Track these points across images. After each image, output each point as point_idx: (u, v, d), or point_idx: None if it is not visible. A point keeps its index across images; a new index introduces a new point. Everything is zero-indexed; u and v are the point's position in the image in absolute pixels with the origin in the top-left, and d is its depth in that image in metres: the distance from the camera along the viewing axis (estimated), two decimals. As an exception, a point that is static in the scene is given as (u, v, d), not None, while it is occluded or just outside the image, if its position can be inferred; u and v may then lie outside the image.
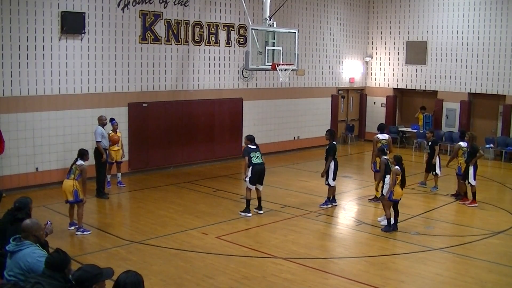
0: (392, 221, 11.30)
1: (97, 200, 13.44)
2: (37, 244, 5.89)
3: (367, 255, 10.05)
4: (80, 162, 10.79)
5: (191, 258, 9.63)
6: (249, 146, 12.33)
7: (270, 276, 8.84)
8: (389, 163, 11.51)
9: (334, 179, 13.06)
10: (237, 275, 8.85)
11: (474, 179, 13.36)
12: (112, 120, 14.36)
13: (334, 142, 13.19)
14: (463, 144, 13.84)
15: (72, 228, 11.04)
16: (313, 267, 9.28)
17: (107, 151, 13.72)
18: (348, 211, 13.08)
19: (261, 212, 12.36)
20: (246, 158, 12.15)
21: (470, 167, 13.30)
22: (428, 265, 9.53)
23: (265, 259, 9.65)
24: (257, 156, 12.20)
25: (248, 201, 12.29)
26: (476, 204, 13.37)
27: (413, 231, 11.34)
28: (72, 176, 10.75)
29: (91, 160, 13.75)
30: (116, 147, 14.33)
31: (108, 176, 14.46)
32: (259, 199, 12.43)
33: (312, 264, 9.45)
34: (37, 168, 14.11)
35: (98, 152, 13.52)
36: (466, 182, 13.52)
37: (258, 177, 12.27)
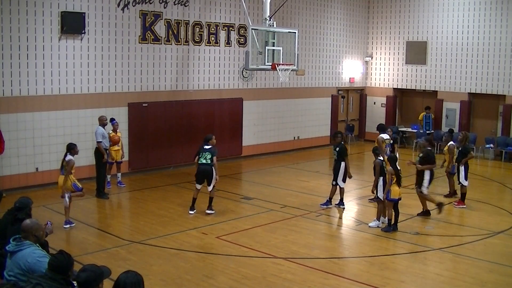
0: (392, 221, 11.30)
1: (97, 200, 13.43)
2: (37, 244, 5.89)
3: (367, 255, 10.05)
4: (68, 157, 10.82)
5: (191, 258, 9.63)
6: (203, 146, 12.28)
7: (270, 276, 8.84)
8: (384, 164, 11.54)
9: (344, 180, 13.00)
10: (237, 275, 8.85)
11: (466, 179, 13.26)
12: (112, 120, 14.35)
13: (342, 143, 13.18)
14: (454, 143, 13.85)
15: (68, 226, 11.04)
16: (313, 267, 9.28)
17: (107, 151, 13.72)
18: (348, 211, 13.06)
19: (210, 212, 12.25)
20: (196, 157, 12.25)
21: (460, 167, 13.27)
22: (428, 265, 9.53)
23: (265, 259, 9.65)
24: (204, 157, 12.14)
25: (193, 199, 12.35)
26: (464, 206, 13.32)
27: (413, 231, 11.34)
28: (66, 172, 10.82)
29: (91, 160, 13.78)
30: (116, 147, 14.32)
31: (108, 176, 14.45)
32: (210, 200, 12.35)
33: (312, 264, 9.45)
34: (37, 168, 14.11)
35: (98, 152, 13.50)
36: (458, 182, 13.52)
37: (201, 177, 12.21)
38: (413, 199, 13.91)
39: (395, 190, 11.15)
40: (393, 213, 11.29)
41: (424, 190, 12.27)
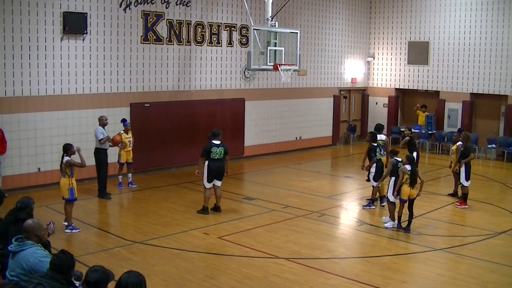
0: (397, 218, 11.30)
1: (99, 200, 13.44)
2: (39, 244, 5.89)
3: (368, 255, 10.05)
4: (65, 158, 10.72)
5: (193, 258, 9.64)
6: (212, 141, 12.20)
7: (272, 276, 8.85)
8: (398, 165, 11.45)
9: (375, 179, 12.95)
10: (238, 275, 8.86)
11: (466, 179, 13.21)
12: (124, 121, 14.36)
13: (374, 144, 13.07)
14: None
15: (66, 226, 11.01)
16: (315, 267, 9.28)
17: (107, 151, 13.68)
18: (350, 211, 13.06)
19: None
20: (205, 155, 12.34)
21: (461, 167, 13.24)
22: (429, 266, 9.53)
23: (267, 259, 9.66)
24: (219, 152, 12.12)
25: (208, 201, 12.45)
26: (466, 206, 13.30)
27: (415, 231, 11.33)
28: (66, 175, 10.76)
29: (92, 161, 13.72)
30: (128, 148, 14.33)
31: (120, 177, 14.47)
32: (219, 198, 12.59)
33: (314, 264, 9.45)
34: (39, 168, 14.12)
35: (98, 152, 13.50)
36: (458, 182, 13.53)
37: (216, 174, 12.33)
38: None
39: (405, 191, 11.13)
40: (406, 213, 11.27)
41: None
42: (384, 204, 13.09)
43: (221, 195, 12.48)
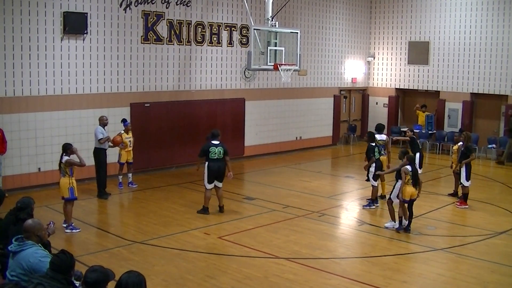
0: (406, 222, 11.26)
1: (99, 200, 13.44)
2: (39, 244, 5.89)
3: (369, 255, 10.04)
4: (65, 158, 10.70)
5: (193, 258, 9.63)
6: (211, 142, 12.18)
7: (272, 276, 8.84)
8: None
9: (374, 179, 12.98)
10: (239, 275, 8.85)
11: (467, 180, 13.19)
12: (124, 121, 14.35)
13: (372, 144, 13.08)
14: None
15: (66, 226, 10.98)
16: (315, 267, 9.28)
17: (106, 151, 13.66)
18: (350, 211, 13.06)
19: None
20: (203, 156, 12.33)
21: (462, 168, 13.25)
22: (430, 266, 9.52)
23: (267, 259, 9.65)
24: (218, 152, 12.09)
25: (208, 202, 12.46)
26: (466, 206, 13.29)
27: (415, 231, 11.32)
28: (66, 174, 10.75)
29: (92, 161, 13.72)
30: (128, 148, 14.32)
31: (120, 177, 14.47)
32: (221, 198, 12.56)
33: (314, 264, 9.44)
34: (39, 168, 14.12)
35: (98, 152, 13.49)
36: (459, 182, 13.54)
37: (216, 175, 12.27)
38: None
39: (407, 191, 11.11)
40: (407, 213, 11.25)
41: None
42: (378, 204, 13.10)
43: (222, 195, 12.48)
